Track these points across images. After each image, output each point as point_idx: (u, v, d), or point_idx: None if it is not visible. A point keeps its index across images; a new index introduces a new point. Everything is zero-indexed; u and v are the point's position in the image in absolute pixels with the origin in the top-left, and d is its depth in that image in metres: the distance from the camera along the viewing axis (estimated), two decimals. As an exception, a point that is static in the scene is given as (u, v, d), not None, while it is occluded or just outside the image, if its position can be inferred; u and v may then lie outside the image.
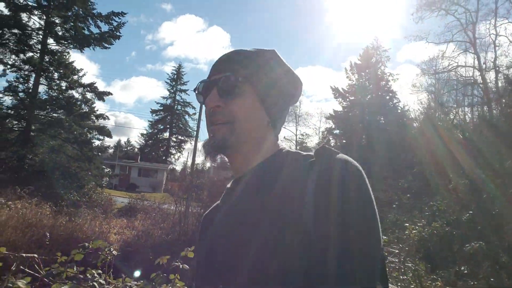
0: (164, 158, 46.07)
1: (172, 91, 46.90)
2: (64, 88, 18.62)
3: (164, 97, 47.48)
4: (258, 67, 0.95)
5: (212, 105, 0.92)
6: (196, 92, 1.02)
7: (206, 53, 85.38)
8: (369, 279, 0.70)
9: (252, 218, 0.82)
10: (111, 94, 19.21)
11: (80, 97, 18.80)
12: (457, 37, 21.19)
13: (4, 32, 17.40)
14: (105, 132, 18.18)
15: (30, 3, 17.96)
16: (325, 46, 59.69)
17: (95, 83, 18.64)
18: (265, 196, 0.83)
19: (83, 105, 18.19)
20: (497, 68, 18.82)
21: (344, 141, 34.42)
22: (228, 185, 1.01)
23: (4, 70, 17.97)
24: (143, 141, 46.26)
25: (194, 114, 45.98)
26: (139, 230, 13.76)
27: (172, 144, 47.34)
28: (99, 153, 18.53)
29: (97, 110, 18.35)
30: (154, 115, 46.23)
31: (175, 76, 47.03)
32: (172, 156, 47.62)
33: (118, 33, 18.91)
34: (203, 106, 1.00)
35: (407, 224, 6.61)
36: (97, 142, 18.98)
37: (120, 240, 12.37)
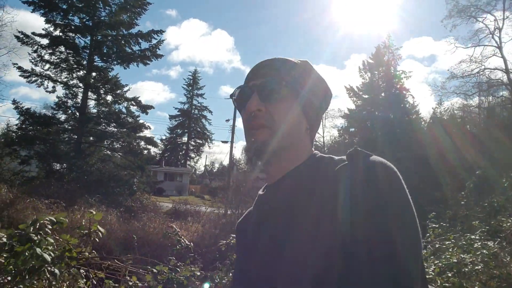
0: (183, 162, 47.44)
1: (189, 96, 48.26)
2: (110, 102, 20.01)
3: (182, 102, 48.87)
4: (297, 74, 0.97)
5: (254, 109, 0.92)
6: (234, 97, 1.02)
7: (211, 56, 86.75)
8: (411, 281, 0.70)
9: (288, 226, 0.82)
10: (153, 107, 20.58)
11: (124, 110, 20.19)
12: (483, 41, 22.59)
13: (56, 51, 18.82)
14: (153, 143, 19.55)
15: (76, 24, 19.40)
16: (327, 45, 60.71)
17: (138, 97, 20.01)
18: (301, 202, 0.83)
19: (129, 118, 19.49)
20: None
21: (356, 139, 35.44)
22: (260, 191, 1.02)
23: (53, 87, 19.40)
24: (163, 146, 47.63)
25: (210, 119, 47.46)
26: (199, 232, 15.08)
27: (190, 147, 48.70)
28: (148, 162, 19.86)
29: (145, 123, 19.63)
30: (172, 120, 47.61)
31: (191, 81, 48.38)
32: (191, 159, 49.05)
33: (158, 50, 20.29)
34: (238, 112, 1.02)
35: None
36: (145, 151, 20.31)
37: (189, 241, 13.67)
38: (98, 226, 2.54)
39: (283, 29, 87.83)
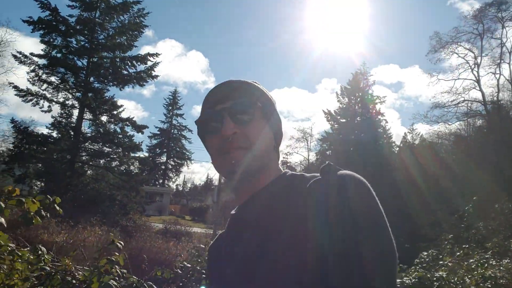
0: (161, 181, 47.31)
1: (169, 115, 48.57)
2: (105, 122, 20.30)
3: (162, 121, 49.11)
4: (260, 94, 0.98)
5: (230, 133, 0.91)
6: (200, 123, 1.00)
7: (186, 77, 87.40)
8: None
9: (262, 242, 0.82)
10: (147, 127, 21.03)
11: (119, 130, 20.50)
12: (462, 75, 25.03)
13: (54, 71, 19.09)
14: (148, 163, 19.91)
15: (74, 45, 19.78)
16: (300, 69, 62.75)
17: (133, 117, 20.43)
18: (275, 218, 0.83)
19: (125, 138, 19.84)
20: (500, 102, 22.31)
21: (332, 161, 36.67)
22: (233, 212, 1.02)
23: (49, 106, 19.56)
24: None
25: (190, 138, 47.85)
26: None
27: (169, 167, 48.71)
28: (141, 184, 20.15)
29: (140, 143, 20.00)
30: (152, 139, 47.64)
31: (171, 101, 48.81)
32: (170, 179, 48.98)
33: (153, 72, 20.88)
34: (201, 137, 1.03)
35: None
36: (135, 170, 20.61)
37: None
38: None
39: (257, 53, 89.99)
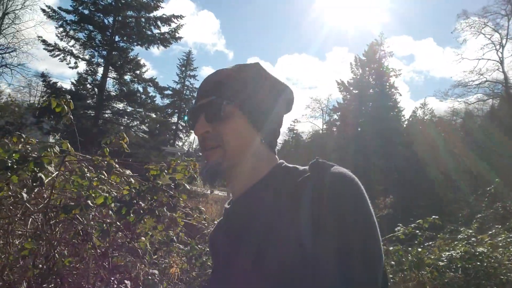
0: (171, 141, 48.07)
1: (182, 76, 48.65)
2: (128, 81, 20.71)
3: (175, 81, 49.22)
4: (241, 86, 0.95)
5: (202, 132, 0.93)
6: (186, 120, 1.02)
7: (196, 37, 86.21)
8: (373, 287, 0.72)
9: (250, 239, 0.84)
10: (169, 88, 21.43)
11: (141, 90, 20.98)
12: (487, 56, 25.07)
13: (82, 28, 19.35)
14: (168, 125, 20.51)
15: (101, 3, 19.88)
16: (311, 36, 61.91)
17: (155, 78, 20.82)
18: (266, 216, 0.84)
19: (147, 99, 20.34)
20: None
21: (344, 133, 37.08)
22: (226, 205, 1.04)
23: (75, 62, 19.92)
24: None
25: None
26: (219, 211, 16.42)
27: (180, 128, 49.34)
28: (164, 144, 20.81)
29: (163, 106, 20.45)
30: (164, 99, 47.97)
31: (185, 62, 48.74)
32: (180, 139, 49.74)
33: (177, 34, 21.03)
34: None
35: None
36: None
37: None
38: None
39: (269, 17, 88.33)
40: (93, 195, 2.24)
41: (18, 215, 2.20)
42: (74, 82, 19.89)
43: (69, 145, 2.21)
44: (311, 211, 0.77)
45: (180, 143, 50.13)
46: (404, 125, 36.70)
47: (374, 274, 0.73)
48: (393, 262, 3.58)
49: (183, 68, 48.81)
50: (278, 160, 0.98)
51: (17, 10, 21.10)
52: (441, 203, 15.38)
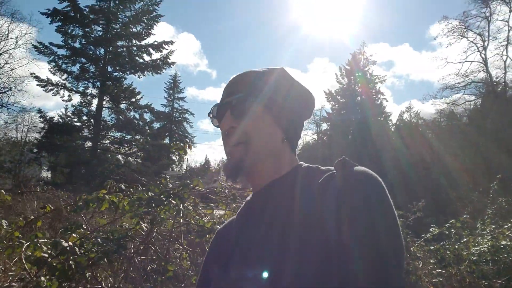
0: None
1: (170, 99, 48.94)
2: (123, 109, 20.96)
3: (163, 105, 49.43)
4: (268, 86, 0.98)
5: (227, 127, 0.95)
6: (211, 116, 1.04)
7: (178, 59, 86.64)
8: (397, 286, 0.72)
9: (276, 228, 0.83)
10: (165, 113, 21.68)
11: (137, 116, 21.23)
12: (471, 58, 26.11)
13: (75, 61, 19.62)
14: (167, 148, 20.73)
15: (92, 35, 20.22)
16: (292, 49, 62.82)
17: (151, 104, 21.10)
18: (289, 210, 0.84)
19: (145, 126, 20.59)
20: (506, 83, 23.59)
21: (334, 142, 37.58)
22: (248, 198, 1.04)
23: (69, 95, 20.13)
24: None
25: (192, 122, 48.37)
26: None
27: (173, 151, 49.38)
28: (164, 168, 20.98)
29: (161, 131, 20.68)
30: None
31: (172, 85, 49.12)
32: (173, 162, 49.72)
33: (169, 60, 21.45)
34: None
35: None
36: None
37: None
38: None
39: (250, 35, 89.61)
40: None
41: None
42: (69, 115, 19.99)
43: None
44: (336, 206, 0.77)
45: (174, 166, 50.10)
46: (392, 129, 37.42)
47: (399, 269, 0.74)
48: (432, 260, 3.88)
49: (171, 91, 49.14)
50: (299, 161, 1.00)
51: (10, 50, 21.36)
52: (441, 202, 15.77)
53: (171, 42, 21.50)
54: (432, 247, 3.80)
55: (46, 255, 2.07)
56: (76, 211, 2.70)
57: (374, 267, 0.70)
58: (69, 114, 20.33)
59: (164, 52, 21.37)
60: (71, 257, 2.08)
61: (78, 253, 2.22)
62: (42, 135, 18.95)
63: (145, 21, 21.15)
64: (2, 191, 3.07)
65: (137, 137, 20.54)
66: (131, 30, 20.71)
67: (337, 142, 36.05)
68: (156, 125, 47.59)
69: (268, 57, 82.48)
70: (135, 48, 20.86)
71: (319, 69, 69.62)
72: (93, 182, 18.22)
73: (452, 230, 4.21)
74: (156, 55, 21.38)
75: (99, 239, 2.48)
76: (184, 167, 58.85)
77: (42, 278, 2.03)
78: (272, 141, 0.95)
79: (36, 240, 2.19)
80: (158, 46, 21.20)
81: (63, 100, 19.87)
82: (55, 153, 18.30)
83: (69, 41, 19.71)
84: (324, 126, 43.06)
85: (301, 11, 64.08)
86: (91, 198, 2.83)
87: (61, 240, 2.18)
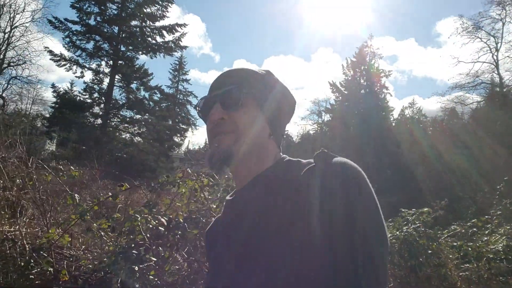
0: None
1: (175, 80, 48.93)
2: (134, 89, 21.16)
3: (168, 86, 49.46)
4: (258, 82, 1.00)
5: (217, 118, 0.95)
6: (198, 108, 1.04)
7: (182, 41, 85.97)
8: (380, 277, 0.72)
9: (259, 229, 0.83)
10: (175, 95, 21.89)
11: (147, 96, 21.45)
12: (482, 58, 26.31)
13: (89, 38, 19.72)
14: (179, 131, 21.00)
15: (108, 13, 20.26)
16: (296, 37, 62.54)
17: (161, 85, 21.29)
18: (271, 205, 0.84)
19: (155, 106, 20.81)
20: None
21: (336, 133, 37.89)
22: (228, 197, 1.04)
23: (81, 72, 20.27)
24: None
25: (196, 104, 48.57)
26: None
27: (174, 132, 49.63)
28: (171, 149, 21.29)
29: (171, 112, 20.93)
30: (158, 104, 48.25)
31: (177, 67, 49.03)
32: (175, 143, 50.01)
33: (181, 43, 21.56)
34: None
35: None
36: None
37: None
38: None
39: (255, 21, 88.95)
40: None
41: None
42: (81, 91, 20.17)
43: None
44: (318, 198, 0.77)
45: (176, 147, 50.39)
46: (393, 124, 37.72)
47: (384, 257, 0.75)
48: (454, 256, 4.23)
49: (176, 73, 49.08)
50: (282, 155, 1.00)
51: (26, 23, 21.43)
52: (442, 199, 16.11)
53: (184, 25, 21.58)
54: (455, 244, 4.15)
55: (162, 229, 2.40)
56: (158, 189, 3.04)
57: (356, 258, 0.71)
58: (79, 90, 20.50)
59: (177, 34, 21.47)
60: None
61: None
62: (55, 110, 19.16)
63: (159, 1, 21.16)
64: (72, 168, 3.39)
65: (145, 117, 20.77)
66: (145, 10, 20.72)
67: (340, 134, 36.43)
68: (162, 105, 47.95)
69: (273, 44, 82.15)
70: (148, 29, 20.92)
71: (323, 59, 69.58)
72: (102, 159, 18.53)
73: (474, 229, 4.56)
74: (168, 37, 21.50)
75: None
76: (183, 149, 59.15)
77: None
78: (259, 135, 0.96)
79: (146, 215, 2.52)
80: (171, 29, 21.28)
81: (76, 76, 20.06)
82: (66, 128, 18.51)
83: (84, 18, 19.75)
84: (327, 117, 43.36)
85: (308, 1, 63.72)
86: (172, 180, 3.16)
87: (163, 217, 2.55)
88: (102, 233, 3.32)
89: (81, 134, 19.09)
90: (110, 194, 2.97)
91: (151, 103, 20.68)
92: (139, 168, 19.23)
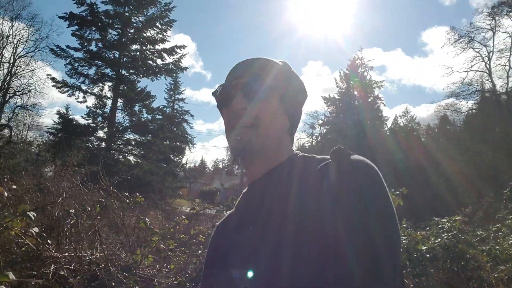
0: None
1: (171, 100, 49.35)
2: (136, 112, 21.46)
3: (164, 106, 49.85)
4: (280, 75, 0.98)
5: (239, 107, 0.93)
6: (216, 94, 1.01)
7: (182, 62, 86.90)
8: (394, 277, 0.70)
9: (274, 223, 0.82)
10: (176, 117, 22.26)
11: (150, 118, 21.74)
12: (474, 67, 27.38)
13: (91, 64, 20.09)
14: (181, 150, 21.28)
15: (108, 39, 20.69)
16: (286, 52, 63.56)
17: (164, 107, 21.63)
18: (287, 194, 0.84)
19: (159, 128, 21.12)
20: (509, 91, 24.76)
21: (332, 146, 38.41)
22: (244, 190, 1.03)
23: (84, 97, 20.57)
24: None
25: (191, 123, 48.78)
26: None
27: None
28: (178, 169, 21.54)
29: (174, 132, 21.25)
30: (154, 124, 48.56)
31: (173, 86, 49.52)
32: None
33: (181, 64, 22.01)
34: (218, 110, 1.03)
35: None
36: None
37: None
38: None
39: (245, 38, 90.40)
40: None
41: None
42: (84, 116, 20.43)
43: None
44: (332, 194, 0.76)
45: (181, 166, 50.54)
46: (387, 133, 38.33)
47: (395, 256, 0.73)
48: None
49: (171, 92, 49.54)
50: (295, 151, 1.00)
51: (30, 53, 21.87)
52: (437, 207, 16.44)
53: (184, 46, 22.04)
54: (484, 247, 4.45)
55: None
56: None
57: (368, 260, 0.69)
58: (81, 115, 20.79)
59: (176, 56, 21.91)
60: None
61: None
62: (59, 135, 19.38)
63: (159, 26, 21.65)
64: (138, 194, 3.71)
65: (149, 138, 21.04)
66: (144, 34, 21.18)
67: (335, 145, 36.83)
68: (156, 126, 48.24)
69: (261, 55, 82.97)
70: (149, 52, 21.34)
71: (313, 72, 70.66)
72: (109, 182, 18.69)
73: (500, 233, 4.88)
74: (168, 59, 21.93)
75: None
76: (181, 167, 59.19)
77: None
78: (279, 129, 0.96)
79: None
80: (171, 51, 21.71)
81: (78, 101, 20.31)
82: (70, 154, 18.67)
83: (85, 44, 20.13)
84: (319, 130, 43.86)
85: (296, 14, 65.28)
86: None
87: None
88: (170, 252, 3.61)
89: (87, 159, 19.25)
90: (183, 217, 3.27)
91: (155, 125, 20.95)
92: (146, 189, 19.42)
